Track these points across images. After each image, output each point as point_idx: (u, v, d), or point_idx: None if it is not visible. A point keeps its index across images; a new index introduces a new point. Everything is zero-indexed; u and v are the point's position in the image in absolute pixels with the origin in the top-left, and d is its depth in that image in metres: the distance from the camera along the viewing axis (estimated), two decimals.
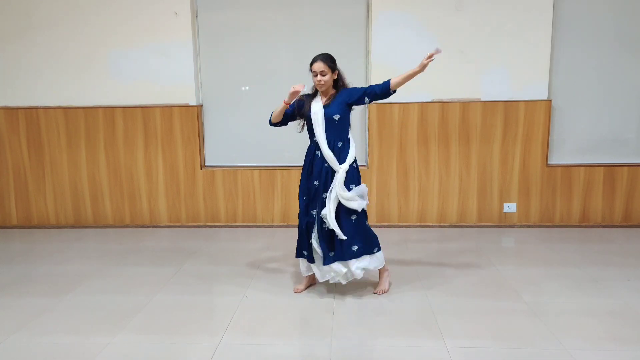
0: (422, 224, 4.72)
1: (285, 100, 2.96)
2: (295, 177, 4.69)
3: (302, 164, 4.73)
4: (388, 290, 3.13)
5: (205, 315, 2.87)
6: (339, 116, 2.94)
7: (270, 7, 4.62)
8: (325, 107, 2.96)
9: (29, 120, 4.74)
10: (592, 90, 4.55)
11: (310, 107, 2.98)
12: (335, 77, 2.98)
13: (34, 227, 4.93)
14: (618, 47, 4.48)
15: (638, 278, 3.32)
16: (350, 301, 3.01)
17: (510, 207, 4.64)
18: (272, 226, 4.78)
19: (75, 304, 3.03)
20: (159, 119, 4.67)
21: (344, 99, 2.97)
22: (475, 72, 4.47)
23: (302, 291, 3.15)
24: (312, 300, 3.03)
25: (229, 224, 4.82)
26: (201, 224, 4.83)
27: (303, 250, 3.08)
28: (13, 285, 3.35)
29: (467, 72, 4.47)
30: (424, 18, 4.42)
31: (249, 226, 4.79)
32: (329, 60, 2.93)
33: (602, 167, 4.56)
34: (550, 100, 4.48)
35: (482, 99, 4.49)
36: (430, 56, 2.83)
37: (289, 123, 3.16)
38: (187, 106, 4.65)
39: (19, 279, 3.48)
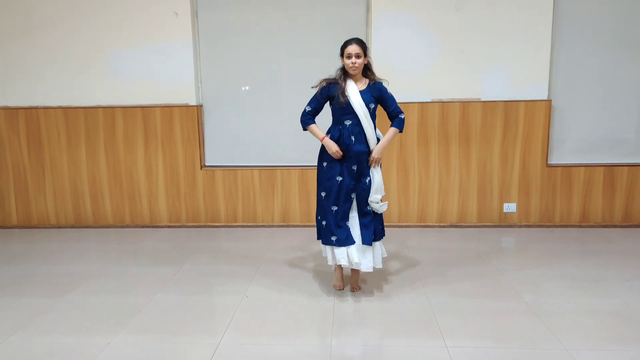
0: (422, 224, 4.72)
1: (329, 145, 2.98)
2: (295, 177, 4.70)
3: (301, 164, 4.77)
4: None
5: (205, 315, 2.87)
6: (373, 105, 2.98)
7: (270, 7, 4.61)
8: (361, 92, 2.96)
9: (29, 120, 4.74)
10: (592, 90, 4.55)
11: (346, 89, 2.94)
12: (366, 62, 3.01)
13: (34, 227, 4.93)
14: (618, 47, 4.48)
15: (638, 278, 3.32)
16: (350, 301, 3.01)
17: (510, 207, 4.63)
18: (272, 226, 4.78)
19: (75, 304, 3.03)
20: (159, 119, 4.67)
21: (376, 93, 2.99)
22: (475, 72, 4.46)
23: (343, 287, 3.18)
24: (312, 300, 3.03)
25: (229, 224, 4.82)
26: (201, 224, 4.83)
27: (346, 237, 2.98)
28: (13, 285, 3.35)
29: (467, 72, 4.47)
30: (424, 18, 4.42)
31: (249, 226, 4.79)
32: (363, 44, 2.96)
33: (602, 167, 4.56)
34: (550, 100, 4.48)
35: (482, 99, 4.49)
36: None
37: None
38: (187, 106, 4.65)
39: (19, 279, 3.48)
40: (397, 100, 3.07)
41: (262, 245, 4.17)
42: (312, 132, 3.05)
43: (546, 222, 4.66)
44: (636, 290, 3.11)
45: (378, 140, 3.04)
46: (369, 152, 3.00)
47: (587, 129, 4.62)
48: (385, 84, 3.04)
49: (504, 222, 4.68)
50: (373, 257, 3.05)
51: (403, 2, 4.41)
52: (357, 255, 2.95)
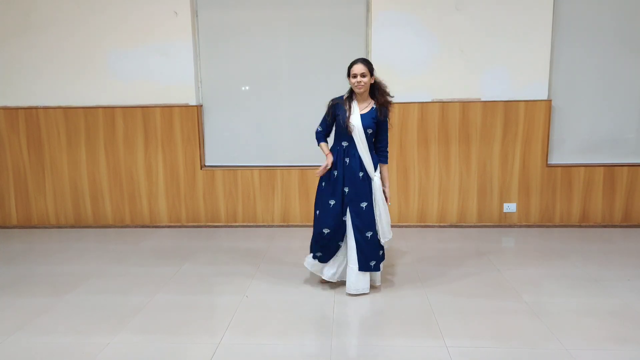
0: (422, 224, 4.72)
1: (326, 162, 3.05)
2: (295, 177, 4.70)
3: (301, 164, 4.77)
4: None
5: (205, 315, 2.87)
6: (371, 130, 3.01)
7: (270, 7, 4.62)
8: (362, 116, 2.99)
9: (29, 120, 4.74)
10: (592, 90, 4.55)
11: (350, 114, 2.99)
12: (373, 81, 3.02)
13: (34, 227, 4.92)
14: (618, 47, 4.48)
15: (638, 278, 3.32)
16: (350, 301, 3.01)
17: (510, 207, 4.64)
18: (272, 226, 4.78)
19: (75, 304, 3.03)
20: (159, 119, 4.67)
21: (377, 117, 3.01)
22: (475, 72, 4.47)
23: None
24: (312, 300, 3.03)
25: (229, 224, 4.82)
26: (201, 224, 4.83)
27: (329, 255, 3.10)
28: (13, 285, 3.35)
29: (467, 72, 4.47)
30: (424, 18, 4.42)
31: (249, 226, 4.79)
32: (368, 64, 2.98)
33: (602, 167, 4.56)
34: (550, 100, 4.48)
35: (482, 99, 4.49)
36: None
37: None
38: (187, 106, 4.65)
39: (19, 279, 3.47)
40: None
41: (262, 245, 4.17)
42: (321, 149, 3.15)
43: (546, 222, 4.66)
44: (636, 290, 3.11)
45: (375, 165, 3.05)
46: (366, 176, 3.02)
47: (587, 129, 4.62)
48: (389, 98, 3.06)
49: (504, 222, 4.68)
50: (370, 278, 3.14)
51: (403, 2, 4.41)
52: (353, 279, 3.04)
